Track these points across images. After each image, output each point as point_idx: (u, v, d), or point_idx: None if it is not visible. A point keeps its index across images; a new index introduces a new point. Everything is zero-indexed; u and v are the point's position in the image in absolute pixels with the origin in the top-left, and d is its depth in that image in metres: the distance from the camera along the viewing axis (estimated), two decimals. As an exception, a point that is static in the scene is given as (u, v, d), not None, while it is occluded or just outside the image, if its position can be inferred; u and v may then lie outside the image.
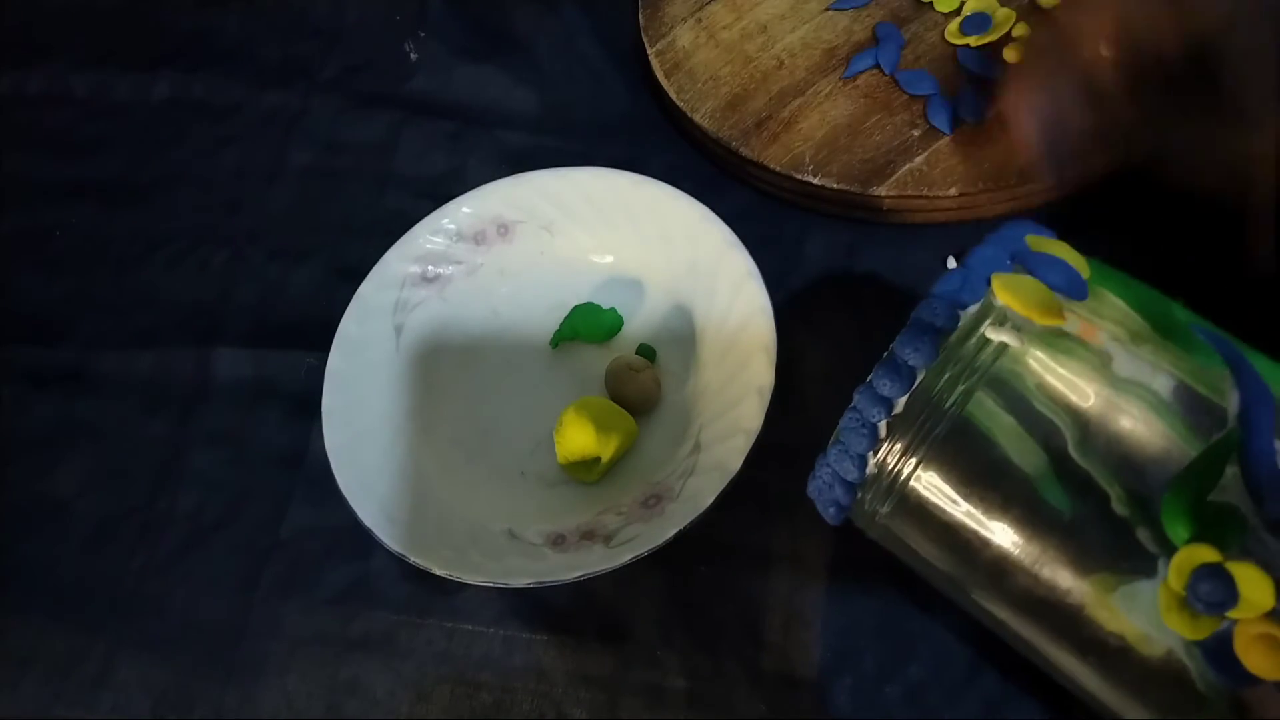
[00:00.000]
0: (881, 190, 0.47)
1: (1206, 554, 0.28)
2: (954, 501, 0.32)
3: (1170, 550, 0.29)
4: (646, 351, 0.47)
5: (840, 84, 0.51)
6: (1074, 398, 0.31)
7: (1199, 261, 0.45)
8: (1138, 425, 0.31)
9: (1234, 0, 0.37)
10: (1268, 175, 0.37)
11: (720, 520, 0.40)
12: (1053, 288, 0.32)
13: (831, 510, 0.36)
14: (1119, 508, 0.30)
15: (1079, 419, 0.31)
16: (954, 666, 0.39)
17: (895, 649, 0.40)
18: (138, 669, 0.43)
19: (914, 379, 0.32)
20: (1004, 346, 0.32)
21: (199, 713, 0.42)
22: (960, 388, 0.32)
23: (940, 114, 0.49)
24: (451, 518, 0.43)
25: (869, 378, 0.33)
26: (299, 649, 0.43)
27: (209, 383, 0.50)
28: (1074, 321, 0.32)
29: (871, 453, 0.33)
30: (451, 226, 0.50)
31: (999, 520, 0.32)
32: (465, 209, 0.50)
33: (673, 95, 0.52)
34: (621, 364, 0.46)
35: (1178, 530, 0.29)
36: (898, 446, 0.33)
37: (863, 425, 0.33)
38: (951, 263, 0.35)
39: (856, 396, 0.33)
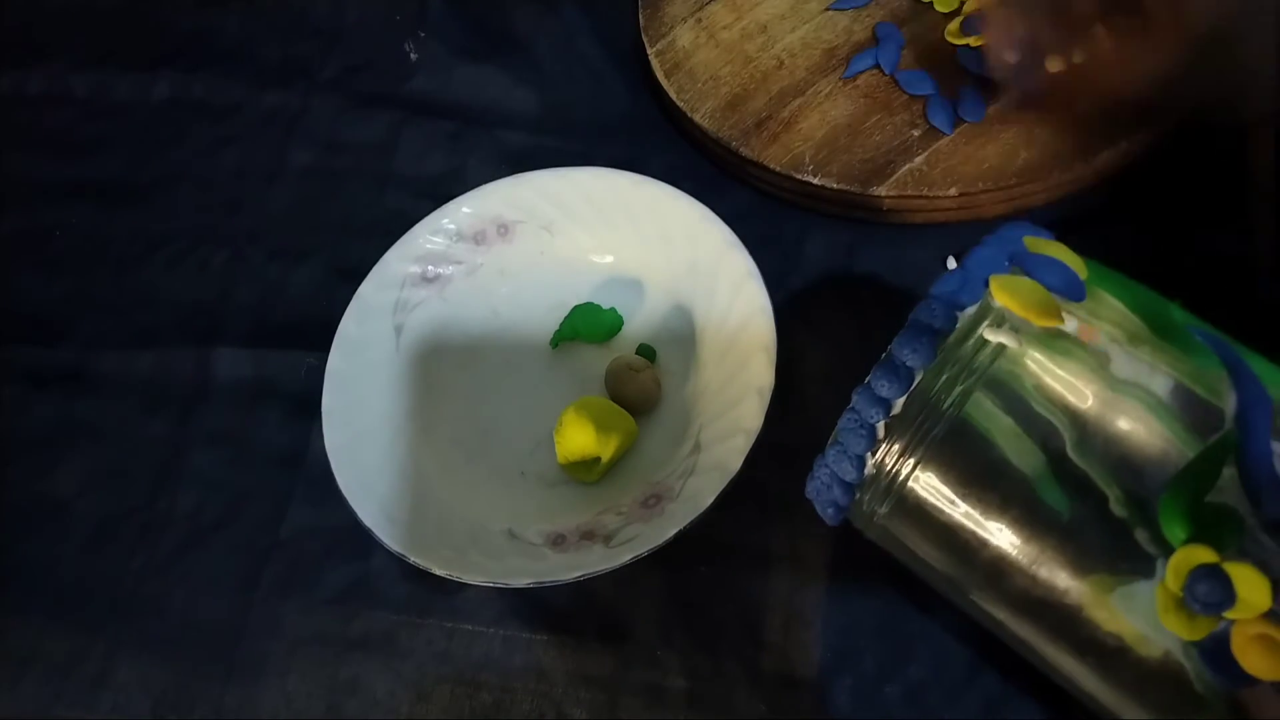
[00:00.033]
0: (881, 190, 0.48)
1: (1204, 555, 0.28)
2: (952, 502, 0.32)
3: (1168, 551, 0.29)
4: (646, 351, 0.47)
5: (840, 84, 0.51)
6: (1072, 399, 0.31)
7: (1197, 263, 0.45)
8: (1136, 426, 0.31)
9: None
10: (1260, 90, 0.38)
11: (720, 520, 0.40)
12: (1050, 289, 0.32)
13: (830, 511, 0.36)
14: (1117, 508, 0.30)
15: (1077, 420, 0.31)
16: (954, 666, 0.39)
17: (895, 649, 0.40)
18: (138, 669, 0.43)
19: (912, 380, 0.32)
20: (1002, 347, 0.32)
21: (199, 713, 0.42)
22: (958, 388, 0.32)
23: (940, 114, 0.49)
24: (451, 518, 0.43)
25: (867, 379, 0.33)
26: (299, 649, 0.43)
27: (209, 383, 0.50)
28: (1072, 323, 0.32)
29: (870, 453, 0.33)
30: (451, 226, 0.50)
31: (997, 521, 0.32)
32: (465, 209, 0.50)
33: (673, 95, 0.52)
34: (621, 364, 0.46)
35: (1175, 531, 0.29)
36: (896, 447, 0.33)
37: (861, 426, 0.33)
38: (951, 263, 0.35)
39: (855, 397, 0.33)
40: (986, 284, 0.32)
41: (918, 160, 0.48)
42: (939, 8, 0.53)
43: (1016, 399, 0.32)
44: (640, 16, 0.56)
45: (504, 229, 0.50)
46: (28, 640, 0.44)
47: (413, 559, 0.40)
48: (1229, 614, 0.28)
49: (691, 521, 0.40)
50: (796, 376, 0.44)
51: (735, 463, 0.40)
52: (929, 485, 0.33)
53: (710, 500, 0.40)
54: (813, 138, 0.50)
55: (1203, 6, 0.41)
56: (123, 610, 0.45)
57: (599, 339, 0.48)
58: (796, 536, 0.42)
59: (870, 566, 0.39)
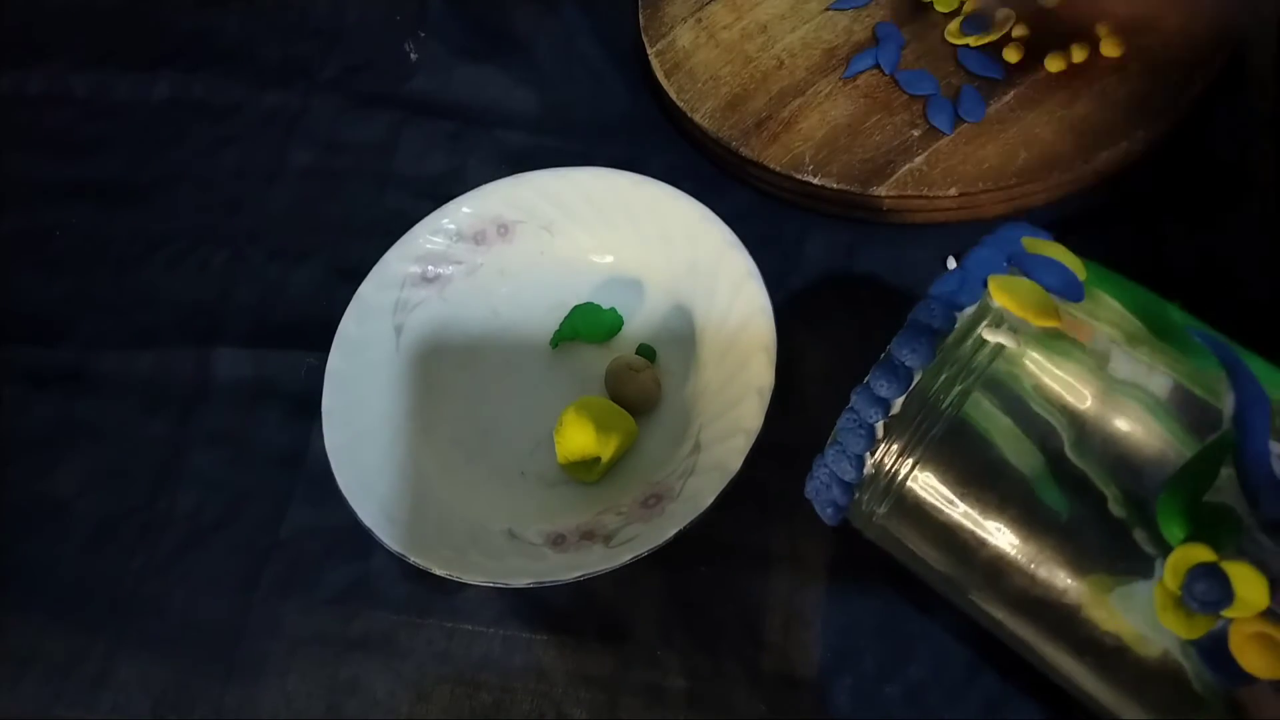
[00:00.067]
0: (881, 190, 0.48)
1: (1202, 554, 0.28)
2: (951, 502, 0.32)
3: (1166, 550, 0.29)
4: (646, 351, 0.47)
5: (840, 84, 0.51)
6: (1070, 399, 0.31)
7: (1197, 263, 0.45)
8: (1134, 426, 0.31)
9: None
10: None
11: (720, 520, 0.40)
12: (1049, 289, 0.32)
13: (829, 511, 0.36)
14: (1115, 508, 0.30)
15: (1075, 420, 0.31)
16: (954, 666, 0.39)
17: (895, 649, 0.40)
18: (138, 669, 0.43)
19: (911, 380, 0.32)
20: (1000, 348, 0.32)
21: (199, 713, 0.42)
22: (957, 389, 0.32)
23: (940, 114, 0.49)
24: (451, 518, 0.43)
25: (866, 379, 0.33)
26: (299, 649, 0.43)
27: (209, 383, 0.50)
28: (1070, 323, 0.32)
29: (869, 453, 0.33)
30: (451, 226, 0.50)
31: (996, 521, 0.32)
32: (465, 209, 0.50)
33: (673, 95, 0.52)
34: (621, 364, 0.46)
35: (1173, 530, 0.29)
36: (895, 447, 0.33)
37: (860, 426, 0.33)
38: (951, 263, 0.35)
39: (854, 397, 0.33)
40: (985, 284, 0.32)
41: (918, 160, 0.48)
42: (939, 8, 0.53)
43: (1015, 399, 0.32)
44: (640, 16, 0.56)
45: (504, 229, 0.50)
46: (28, 640, 0.44)
47: (413, 559, 0.40)
48: (1227, 613, 0.28)
49: (691, 521, 0.40)
50: (796, 376, 0.44)
51: (735, 463, 0.40)
52: (928, 485, 0.33)
53: (710, 500, 0.40)
54: (813, 138, 0.50)
55: None
56: (123, 610, 0.45)
57: (599, 339, 0.48)
58: (796, 536, 0.42)
59: (870, 566, 0.39)
